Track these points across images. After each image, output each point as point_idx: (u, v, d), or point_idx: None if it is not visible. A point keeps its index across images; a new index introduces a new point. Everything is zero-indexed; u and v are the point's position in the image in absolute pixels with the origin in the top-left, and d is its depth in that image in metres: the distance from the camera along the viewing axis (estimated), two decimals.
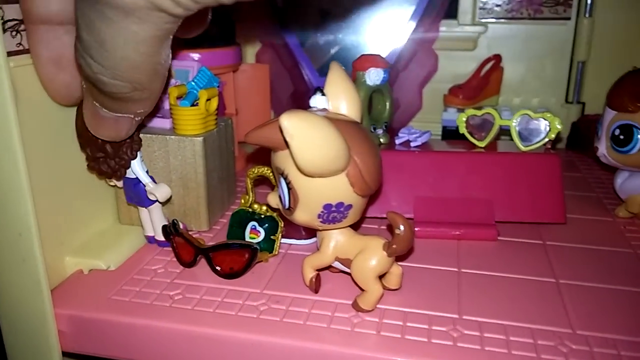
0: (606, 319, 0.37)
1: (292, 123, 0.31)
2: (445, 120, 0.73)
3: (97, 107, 0.36)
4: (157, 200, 0.46)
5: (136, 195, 0.46)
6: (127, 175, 0.45)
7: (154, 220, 0.46)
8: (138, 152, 0.44)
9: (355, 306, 0.38)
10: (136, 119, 0.38)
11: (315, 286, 0.40)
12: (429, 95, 0.79)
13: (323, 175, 0.34)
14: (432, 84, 0.79)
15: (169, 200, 0.48)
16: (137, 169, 0.45)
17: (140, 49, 0.31)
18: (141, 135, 0.47)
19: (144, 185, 0.45)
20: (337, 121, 0.35)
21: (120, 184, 0.46)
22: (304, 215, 0.37)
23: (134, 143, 0.44)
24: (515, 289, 0.41)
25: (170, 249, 0.45)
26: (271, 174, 0.44)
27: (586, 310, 0.38)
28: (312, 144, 0.32)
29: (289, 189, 0.36)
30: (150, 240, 0.48)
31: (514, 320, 0.37)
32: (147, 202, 0.46)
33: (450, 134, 0.72)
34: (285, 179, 0.36)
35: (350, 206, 0.36)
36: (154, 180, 0.46)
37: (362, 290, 0.38)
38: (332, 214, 0.36)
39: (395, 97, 0.78)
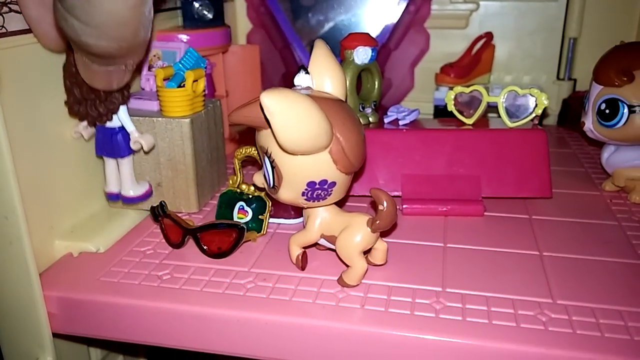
0: (586, 288, 0.38)
1: (272, 100, 0.32)
2: (436, 99, 0.73)
3: (88, 62, 0.36)
4: (133, 152, 0.46)
5: (113, 145, 0.45)
6: (106, 125, 0.45)
7: (123, 174, 0.47)
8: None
9: (341, 282, 0.39)
10: (128, 68, 0.39)
11: (302, 263, 0.40)
12: (421, 74, 0.79)
13: (305, 153, 0.34)
14: (424, 62, 0.79)
15: (152, 149, 0.48)
16: (123, 115, 0.45)
17: (129, 1, 0.31)
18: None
19: (126, 134, 0.45)
20: (320, 99, 0.35)
21: (87, 135, 0.46)
22: (288, 193, 0.37)
23: (124, 88, 0.43)
24: (499, 262, 0.41)
25: (158, 229, 0.46)
26: (257, 154, 0.44)
27: (567, 280, 0.39)
28: (293, 122, 0.32)
29: (273, 167, 0.36)
30: (113, 197, 0.48)
31: (496, 291, 0.37)
32: (124, 152, 0.46)
33: (442, 112, 0.72)
34: (269, 157, 0.36)
35: (334, 183, 0.37)
36: None
37: (348, 266, 0.38)
38: (316, 191, 0.37)
39: (388, 76, 0.78)
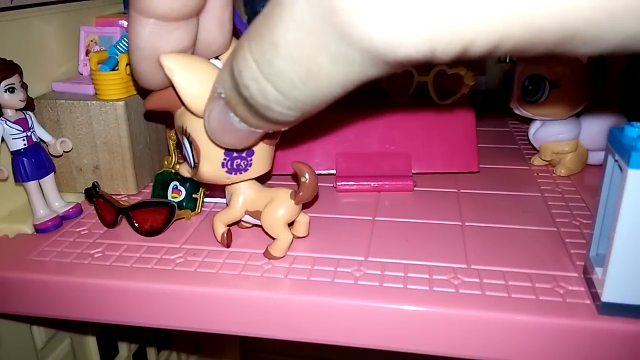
0: (501, 254, 0.40)
1: (171, 58, 0.32)
2: None
3: (232, 118, 0.30)
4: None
5: (38, 162, 0.44)
6: (19, 148, 0.44)
7: (50, 193, 0.46)
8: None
9: (267, 254, 0.40)
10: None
11: (227, 241, 0.41)
12: None
13: None
14: None
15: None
16: (40, 128, 0.45)
17: (349, 87, 0.24)
18: (63, 102, 0.48)
19: (45, 147, 0.46)
20: None
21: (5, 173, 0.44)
22: (208, 167, 0.37)
23: None
24: (422, 233, 0.43)
25: (94, 211, 0.46)
26: (176, 144, 0.45)
27: (484, 247, 0.41)
28: (195, 76, 0.33)
29: (190, 143, 0.37)
30: (49, 227, 0.45)
31: (415, 259, 0.39)
32: (50, 166, 0.46)
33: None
34: (186, 134, 0.37)
35: (252, 152, 0.37)
36: None
37: (273, 239, 0.40)
38: (235, 160, 0.37)
39: None
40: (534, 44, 0.19)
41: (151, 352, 0.74)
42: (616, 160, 0.30)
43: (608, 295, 0.31)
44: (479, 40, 0.19)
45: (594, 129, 0.53)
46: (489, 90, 0.79)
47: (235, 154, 0.37)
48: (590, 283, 0.34)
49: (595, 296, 0.33)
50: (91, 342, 0.61)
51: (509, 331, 0.33)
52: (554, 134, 0.53)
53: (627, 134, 0.29)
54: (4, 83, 0.42)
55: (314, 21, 0.22)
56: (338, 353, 0.90)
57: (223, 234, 0.41)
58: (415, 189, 0.51)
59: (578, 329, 0.32)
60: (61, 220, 0.46)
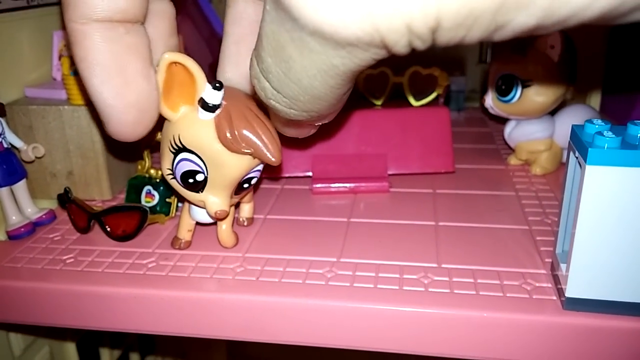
0: (471, 253, 0.40)
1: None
2: None
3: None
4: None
5: (10, 169, 0.44)
6: None
7: (22, 200, 0.46)
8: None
9: (243, 222, 0.45)
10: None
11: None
12: None
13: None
14: None
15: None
16: (11, 134, 0.45)
17: (330, 82, 0.25)
18: (35, 107, 0.47)
19: (16, 153, 0.46)
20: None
21: None
22: None
23: None
24: (396, 233, 0.43)
25: (66, 217, 0.46)
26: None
27: (456, 247, 0.41)
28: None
29: None
30: (21, 233, 0.44)
31: (387, 259, 0.39)
32: (22, 172, 0.46)
33: None
34: None
35: None
36: None
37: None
38: None
39: None
40: (471, 24, 0.20)
41: (134, 359, 0.74)
42: (576, 157, 0.30)
43: (571, 290, 0.31)
44: (417, 19, 0.20)
45: (568, 127, 0.53)
46: (470, 90, 0.80)
47: None
48: (556, 279, 0.34)
49: (560, 292, 0.33)
50: (71, 349, 0.60)
51: (475, 328, 0.34)
52: (528, 133, 0.53)
53: (586, 131, 0.30)
54: None
55: (274, 8, 0.23)
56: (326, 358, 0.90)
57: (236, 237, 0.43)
58: (391, 190, 0.51)
59: (543, 325, 0.32)
60: (34, 227, 0.45)
